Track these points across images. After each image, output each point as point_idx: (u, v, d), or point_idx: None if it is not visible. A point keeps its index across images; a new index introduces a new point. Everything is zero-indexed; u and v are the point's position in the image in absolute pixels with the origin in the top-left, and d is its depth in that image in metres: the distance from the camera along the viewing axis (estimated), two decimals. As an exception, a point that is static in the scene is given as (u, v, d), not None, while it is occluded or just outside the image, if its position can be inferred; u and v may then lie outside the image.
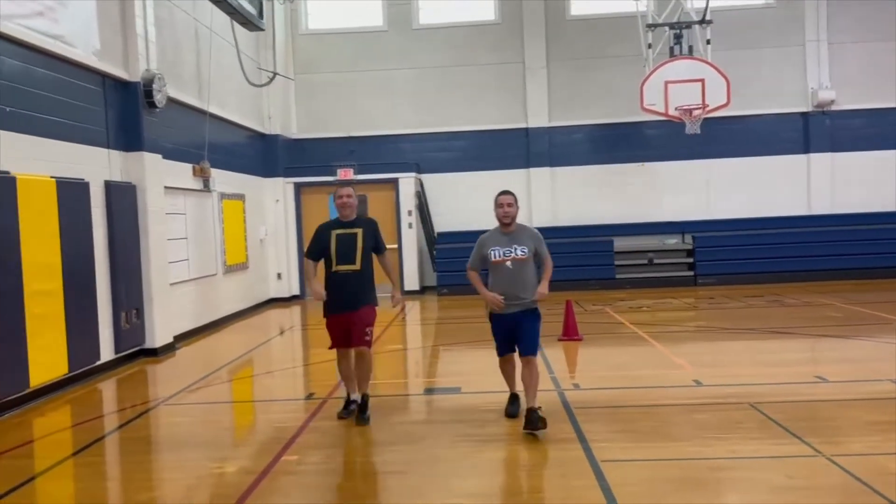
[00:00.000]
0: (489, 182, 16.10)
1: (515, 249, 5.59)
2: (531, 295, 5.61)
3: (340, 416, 6.15)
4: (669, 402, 6.28)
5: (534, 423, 5.31)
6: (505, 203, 5.66)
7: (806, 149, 15.98)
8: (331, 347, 6.20)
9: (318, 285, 6.03)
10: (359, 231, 5.99)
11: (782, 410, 5.77)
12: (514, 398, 6.04)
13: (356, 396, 6.18)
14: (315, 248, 6.09)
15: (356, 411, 6.03)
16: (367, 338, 5.91)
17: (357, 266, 5.91)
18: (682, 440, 5.22)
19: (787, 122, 16.00)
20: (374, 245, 6.06)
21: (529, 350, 5.62)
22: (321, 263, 6.12)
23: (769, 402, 6.00)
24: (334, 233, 5.99)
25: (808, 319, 10.52)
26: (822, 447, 4.87)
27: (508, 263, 5.58)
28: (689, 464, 4.73)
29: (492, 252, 5.64)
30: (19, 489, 4.81)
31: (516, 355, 5.80)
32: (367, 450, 5.38)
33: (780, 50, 15.94)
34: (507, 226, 5.69)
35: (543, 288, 5.62)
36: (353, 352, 6.09)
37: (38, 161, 7.51)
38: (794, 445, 4.98)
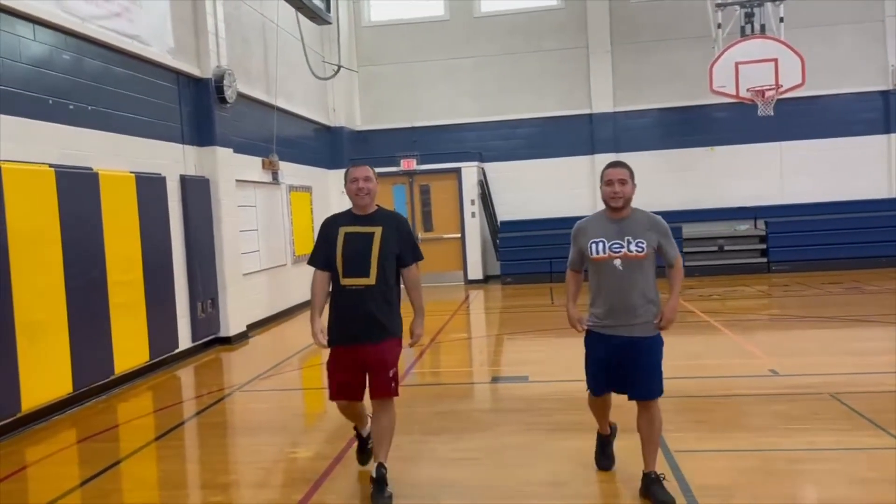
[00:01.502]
0: (552, 170, 16.14)
1: (629, 243, 3.95)
2: (650, 314, 4.00)
3: (363, 462, 4.74)
4: (744, 392, 6.13)
5: (658, 497, 3.91)
6: (616, 179, 3.98)
7: (887, 129, 15.25)
8: (332, 398, 4.36)
9: (319, 325, 4.28)
10: (377, 230, 4.19)
11: (865, 401, 5.56)
12: (605, 443, 4.52)
13: (367, 431, 4.67)
14: (321, 252, 4.31)
15: (373, 488, 4.18)
16: (393, 384, 4.25)
17: (370, 279, 4.13)
18: (759, 431, 5.09)
19: (865, 101, 15.31)
20: (400, 252, 4.24)
21: (647, 393, 4.02)
22: (331, 279, 4.31)
23: (850, 393, 5.79)
24: (343, 230, 4.22)
25: (890, 307, 10.07)
26: (909, 439, 4.68)
27: (617, 262, 3.95)
28: (766, 455, 4.61)
29: (592, 245, 4.01)
30: (107, 471, 5.06)
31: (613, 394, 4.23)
32: (438, 437, 5.43)
33: (857, 26, 15.23)
34: (618, 210, 4.02)
35: (671, 311, 4.00)
36: (357, 405, 4.45)
37: (118, 157, 7.82)
38: (877, 437, 4.79)
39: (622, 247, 3.97)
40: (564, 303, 4.37)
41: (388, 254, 4.18)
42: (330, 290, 4.31)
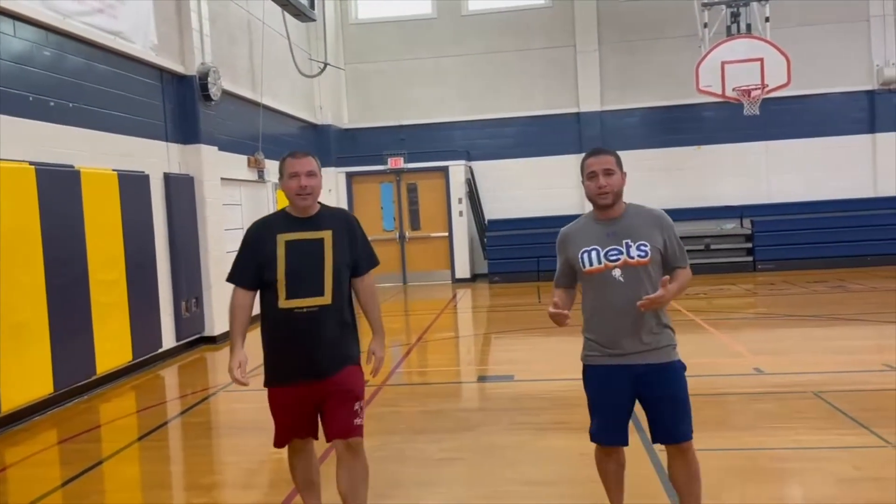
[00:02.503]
0: (540, 168, 16.15)
1: (628, 248, 3.16)
2: (667, 338, 3.22)
3: None
4: (730, 391, 6.14)
5: None
6: (599, 170, 3.17)
7: (871, 129, 15.36)
8: (278, 444, 3.54)
9: (240, 357, 3.41)
10: (326, 235, 3.38)
11: (848, 400, 5.58)
12: None
13: None
14: (247, 267, 3.42)
15: None
16: (359, 420, 3.40)
17: (325, 297, 3.31)
18: (744, 430, 5.10)
19: (851, 101, 15.40)
20: (354, 260, 3.47)
21: (679, 433, 3.21)
22: (257, 297, 3.47)
23: (834, 391, 5.81)
24: (283, 238, 3.35)
25: (874, 305, 10.15)
26: (893, 438, 4.69)
27: (616, 273, 3.16)
28: (751, 454, 4.62)
29: (583, 256, 3.21)
30: (88, 472, 4.99)
31: (626, 449, 3.40)
32: (423, 436, 5.40)
33: (843, 26, 15.32)
34: (608, 208, 3.23)
35: (666, 290, 3.08)
36: (312, 452, 3.65)
37: (100, 155, 7.73)
38: (861, 436, 4.81)
39: (620, 253, 3.16)
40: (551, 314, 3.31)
41: (342, 263, 3.39)
42: (263, 316, 3.44)
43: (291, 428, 3.49)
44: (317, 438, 3.55)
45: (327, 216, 3.49)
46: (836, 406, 5.45)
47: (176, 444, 5.85)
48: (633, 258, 3.16)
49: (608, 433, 3.31)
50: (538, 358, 7.92)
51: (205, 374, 8.48)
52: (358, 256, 3.50)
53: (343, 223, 3.49)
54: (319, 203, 3.48)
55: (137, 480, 5.03)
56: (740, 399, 5.88)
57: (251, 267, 3.41)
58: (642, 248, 3.17)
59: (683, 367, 3.26)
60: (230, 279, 3.48)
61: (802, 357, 7.33)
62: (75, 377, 6.96)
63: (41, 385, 6.44)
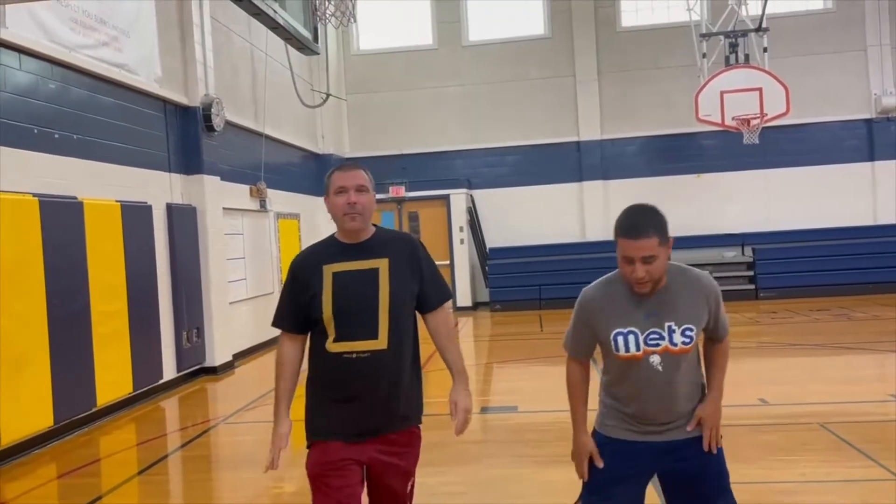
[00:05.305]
0: (541, 197, 16.20)
1: (671, 333, 2.61)
2: (698, 390, 2.78)
3: None
4: (733, 423, 6.06)
5: None
6: (637, 257, 2.53)
7: (871, 157, 15.43)
8: None
9: (283, 429, 2.90)
10: (382, 263, 2.80)
11: (854, 431, 5.53)
12: None
13: None
14: (292, 307, 2.87)
15: None
16: (409, 501, 2.96)
17: (380, 341, 2.74)
18: (749, 462, 5.04)
19: (849, 129, 15.50)
20: (421, 291, 2.88)
21: None
22: (308, 341, 2.91)
23: (840, 422, 5.77)
24: (329, 269, 2.79)
25: (878, 334, 10.10)
26: (900, 471, 4.65)
27: (654, 360, 2.62)
28: (756, 487, 4.56)
29: (618, 339, 2.64)
30: (88, 507, 4.94)
31: None
32: (425, 469, 5.30)
33: (840, 56, 15.47)
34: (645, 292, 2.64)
35: (713, 406, 2.75)
36: None
37: (103, 186, 7.77)
38: (868, 468, 4.76)
39: (661, 338, 2.60)
40: (574, 429, 2.83)
41: (404, 297, 2.80)
42: (311, 357, 2.88)
43: (339, 488, 2.73)
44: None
45: (383, 241, 2.87)
46: (842, 437, 5.40)
47: (176, 478, 5.80)
48: (675, 345, 2.60)
49: None
50: (541, 388, 7.87)
51: (205, 405, 8.43)
52: (424, 288, 2.87)
53: (404, 249, 2.86)
54: (374, 226, 2.90)
55: (136, 515, 4.98)
56: (745, 431, 5.83)
57: (296, 307, 2.82)
58: (687, 333, 2.60)
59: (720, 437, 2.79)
60: (274, 323, 2.92)
61: (807, 387, 7.29)
62: (75, 409, 6.91)
63: (41, 418, 6.39)
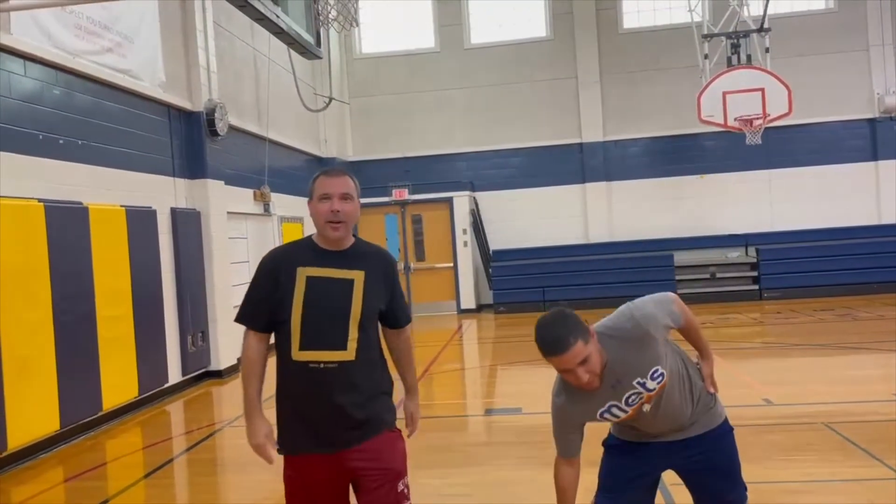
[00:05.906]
0: (544, 199, 16.22)
1: (643, 385, 2.67)
2: (709, 401, 2.89)
3: None
4: (738, 423, 6.01)
5: None
6: (572, 366, 2.56)
7: (874, 156, 15.41)
8: None
9: (264, 427, 2.79)
10: (358, 276, 2.75)
11: (859, 430, 5.53)
12: None
13: None
14: (260, 304, 2.80)
15: None
16: (406, 501, 2.81)
17: (348, 352, 2.69)
18: (754, 462, 5.02)
19: (852, 129, 15.48)
20: (388, 308, 2.87)
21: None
22: (271, 340, 2.84)
23: (845, 422, 5.76)
24: (304, 272, 2.73)
25: (882, 333, 10.08)
26: (906, 470, 4.65)
27: (646, 408, 2.73)
28: (761, 487, 4.55)
29: (602, 415, 2.74)
30: (95, 511, 4.97)
31: None
32: (431, 471, 5.36)
33: (842, 56, 15.46)
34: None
35: (709, 369, 2.95)
36: None
37: (108, 191, 7.80)
38: (874, 468, 4.76)
39: (639, 393, 2.67)
40: None
41: (374, 311, 2.78)
42: (278, 367, 2.78)
43: None
44: None
45: (362, 253, 2.81)
46: (846, 437, 5.40)
47: (182, 481, 5.82)
48: (653, 390, 2.67)
49: (618, 486, 2.81)
50: (546, 390, 7.84)
51: (210, 408, 8.45)
52: (392, 306, 2.86)
53: (379, 264, 2.83)
54: (355, 236, 2.83)
55: (143, 519, 5.00)
56: (750, 431, 5.82)
57: (265, 305, 2.75)
58: (656, 375, 2.65)
59: (731, 428, 2.92)
60: (239, 319, 2.82)
61: (811, 387, 7.28)
62: (81, 413, 6.94)
63: (47, 422, 6.42)
